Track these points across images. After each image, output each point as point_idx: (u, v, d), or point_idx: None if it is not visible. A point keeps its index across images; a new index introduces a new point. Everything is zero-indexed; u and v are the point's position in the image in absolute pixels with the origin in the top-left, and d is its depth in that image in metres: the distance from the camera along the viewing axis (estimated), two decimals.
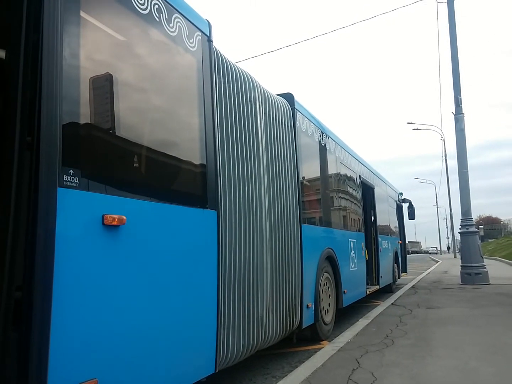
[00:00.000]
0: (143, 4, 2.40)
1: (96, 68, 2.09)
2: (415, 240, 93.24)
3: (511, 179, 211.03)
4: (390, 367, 3.30)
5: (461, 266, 10.34)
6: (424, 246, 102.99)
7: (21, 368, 1.64)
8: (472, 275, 9.80)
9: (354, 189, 7.36)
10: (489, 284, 9.56)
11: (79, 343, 1.80)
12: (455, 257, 33.99)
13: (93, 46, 2.08)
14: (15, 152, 1.64)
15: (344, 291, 5.69)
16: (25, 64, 1.71)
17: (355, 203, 7.36)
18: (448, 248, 45.08)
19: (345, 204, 6.75)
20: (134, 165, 2.32)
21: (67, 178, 1.77)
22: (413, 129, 31.67)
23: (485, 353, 3.62)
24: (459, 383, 2.92)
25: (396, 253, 10.77)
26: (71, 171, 1.79)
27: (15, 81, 1.70)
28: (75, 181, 1.81)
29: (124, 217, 2.03)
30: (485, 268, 9.98)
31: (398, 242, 11.56)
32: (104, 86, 2.13)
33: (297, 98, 4.79)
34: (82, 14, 1.98)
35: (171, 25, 2.65)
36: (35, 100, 1.71)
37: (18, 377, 1.63)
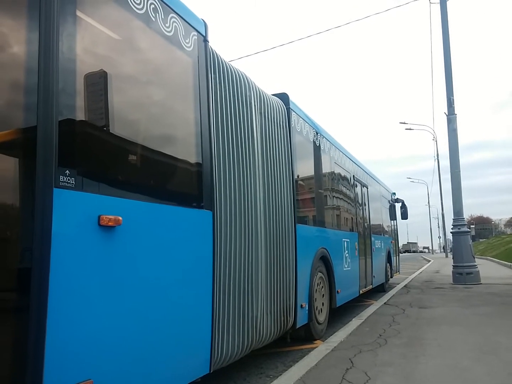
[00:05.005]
0: (139, 4, 2.39)
1: (92, 67, 2.08)
2: (411, 241, 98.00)
3: (500, 179, 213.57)
4: (384, 367, 3.32)
5: (452, 265, 10.42)
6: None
7: (17, 368, 1.63)
8: (463, 274, 9.88)
9: (348, 189, 7.39)
10: (480, 283, 9.64)
11: (74, 344, 1.79)
12: (446, 256, 34.23)
13: (89, 46, 2.07)
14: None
15: (337, 291, 5.72)
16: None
17: (349, 203, 7.39)
18: (444, 248, 45.45)
19: (339, 204, 6.78)
20: (130, 166, 2.32)
21: (63, 178, 1.77)
22: (406, 129, 31.85)
23: (477, 353, 3.66)
24: (451, 382, 2.95)
25: (389, 252, 10.83)
26: (67, 171, 1.78)
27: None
28: (71, 182, 1.80)
29: (120, 218, 2.02)
30: (477, 267, 10.07)
31: (391, 242, 11.63)
32: (100, 85, 2.12)
33: (292, 98, 4.80)
34: (79, 13, 1.97)
35: (167, 25, 2.64)
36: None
37: (14, 377, 1.63)
